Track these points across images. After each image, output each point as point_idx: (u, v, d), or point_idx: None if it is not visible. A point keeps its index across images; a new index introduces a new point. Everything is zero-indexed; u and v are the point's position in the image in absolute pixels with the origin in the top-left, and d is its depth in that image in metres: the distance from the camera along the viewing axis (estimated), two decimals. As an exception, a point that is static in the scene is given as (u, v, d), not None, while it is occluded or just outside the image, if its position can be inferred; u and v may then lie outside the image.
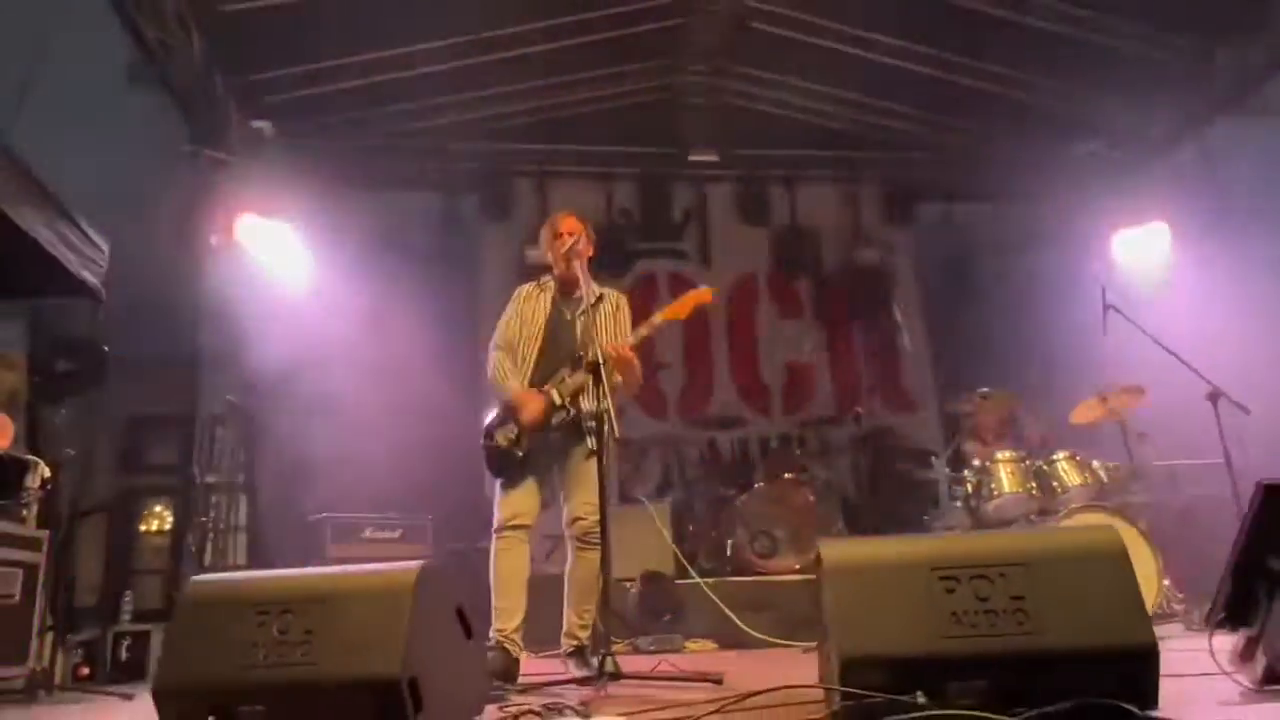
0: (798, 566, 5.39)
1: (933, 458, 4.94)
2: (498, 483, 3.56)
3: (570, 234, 3.65)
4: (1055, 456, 4.53)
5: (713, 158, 7.84)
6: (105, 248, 4.44)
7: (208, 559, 6.93)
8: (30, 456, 3.63)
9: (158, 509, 8.09)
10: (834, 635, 1.85)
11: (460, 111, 7.63)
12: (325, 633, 2.04)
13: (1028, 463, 4.51)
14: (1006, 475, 4.50)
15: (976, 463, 4.72)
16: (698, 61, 7.74)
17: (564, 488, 3.59)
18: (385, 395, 6.84)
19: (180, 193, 6.67)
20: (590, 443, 3.43)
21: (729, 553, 5.67)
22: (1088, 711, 1.67)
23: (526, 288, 3.84)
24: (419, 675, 2.00)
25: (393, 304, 7.13)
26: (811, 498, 5.79)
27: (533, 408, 3.46)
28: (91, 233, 4.30)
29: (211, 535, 6.96)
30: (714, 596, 4.82)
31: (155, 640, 5.12)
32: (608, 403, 3.06)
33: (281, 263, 6.86)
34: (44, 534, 3.61)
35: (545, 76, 7.53)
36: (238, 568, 7.09)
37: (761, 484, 5.88)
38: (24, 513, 3.58)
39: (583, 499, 3.46)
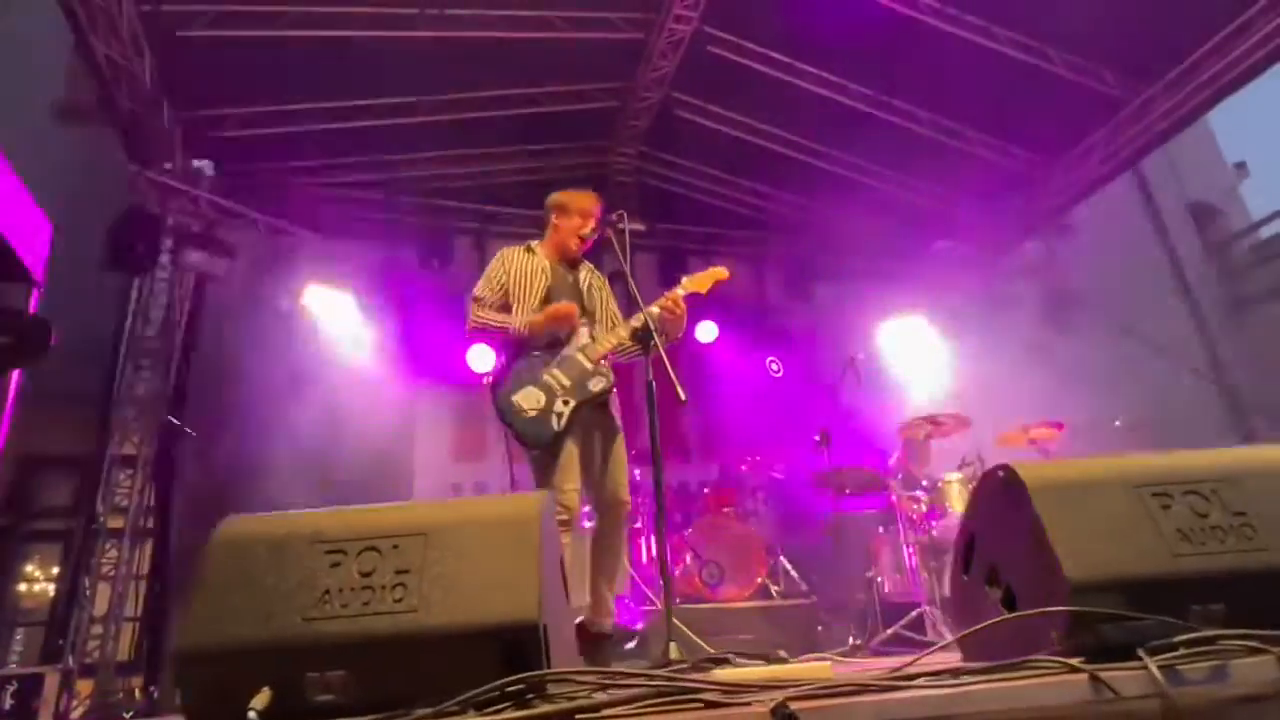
0: (747, 594, 4.93)
1: (890, 480, 4.66)
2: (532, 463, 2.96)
3: (594, 221, 3.22)
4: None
5: (640, 227, 7.57)
6: (49, 229, 3.56)
7: (97, 609, 5.65)
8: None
9: (44, 554, 6.66)
10: (1061, 557, 1.41)
11: (407, 168, 7.10)
12: (429, 573, 1.41)
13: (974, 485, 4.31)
14: (957, 495, 4.27)
15: (925, 483, 4.47)
16: (628, 144, 7.61)
17: (601, 463, 3.01)
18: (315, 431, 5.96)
19: (113, 218, 5.70)
20: (618, 419, 2.95)
21: (679, 580, 5.11)
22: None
23: (513, 250, 3.28)
24: (548, 625, 1.41)
25: (328, 346, 6.36)
26: (751, 528, 5.38)
27: (564, 313, 2.97)
28: (37, 212, 3.44)
29: (109, 581, 5.69)
30: (678, 622, 4.25)
31: (50, 687, 3.97)
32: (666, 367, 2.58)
33: (216, 296, 5.96)
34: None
35: (491, 145, 7.17)
36: (134, 621, 5.83)
37: (706, 517, 5.40)
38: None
39: (623, 480, 2.95)
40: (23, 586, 6.96)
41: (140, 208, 5.69)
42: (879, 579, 4.49)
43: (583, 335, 3.09)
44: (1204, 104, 6.46)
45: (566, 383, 2.91)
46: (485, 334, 3.11)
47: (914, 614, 4.11)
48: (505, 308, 3.10)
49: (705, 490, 5.93)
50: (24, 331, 2.93)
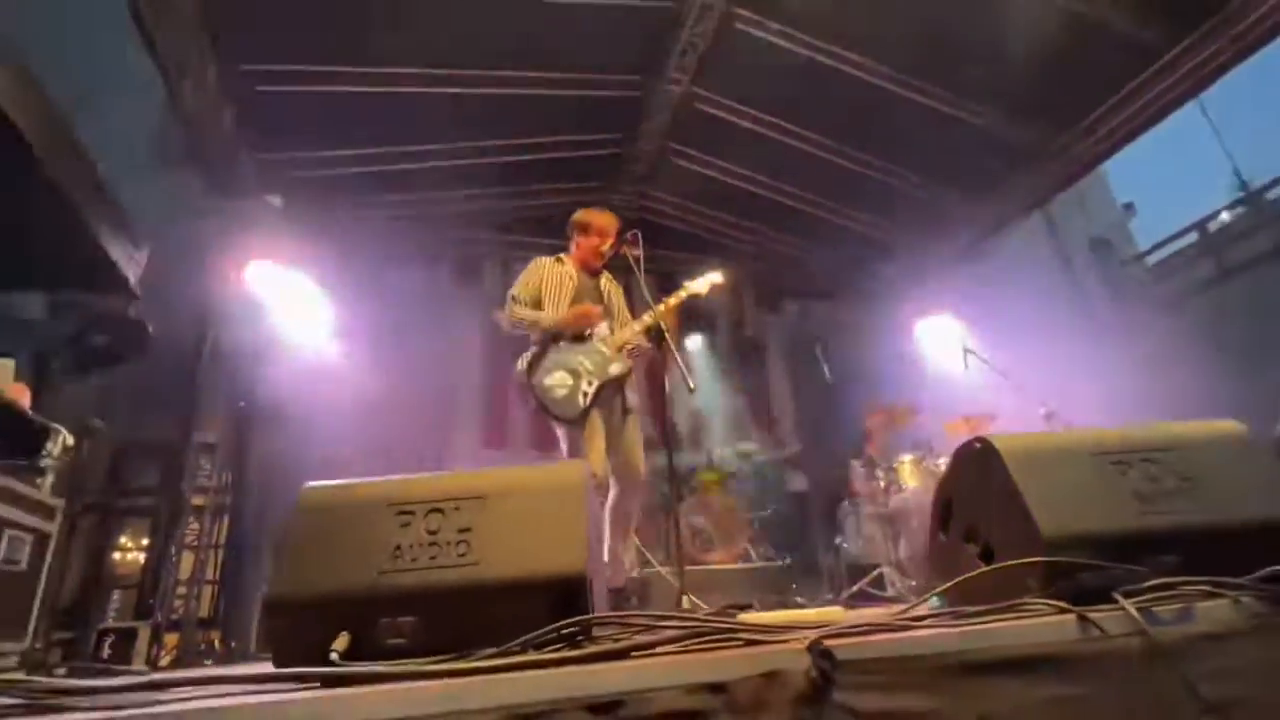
0: (732, 558, 4.84)
1: (852, 460, 4.60)
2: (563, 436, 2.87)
3: (613, 238, 3.16)
4: (940, 460, 4.28)
5: (637, 253, 7.51)
6: (146, 250, 3.46)
7: (181, 574, 5.51)
8: (55, 424, 2.58)
9: (135, 527, 6.48)
10: (1036, 516, 1.35)
11: (444, 203, 7.02)
12: (488, 531, 1.33)
13: (925, 463, 4.25)
14: (910, 473, 4.20)
15: (883, 464, 4.40)
16: (627, 184, 7.57)
17: (620, 437, 2.94)
18: (370, 428, 5.85)
19: (197, 243, 5.58)
20: (633, 399, 2.89)
21: (675, 549, 5.01)
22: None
23: (546, 259, 3.27)
24: (591, 577, 1.33)
25: (379, 350, 6.24)
26: (732, 502, 5.29)
27: (595, 313, 2.96)
28: (136, 234, 3.34)
29: (193, 550, 5.54)
30: (674, 583, 4.17)
31: (142, 639, 3.83)
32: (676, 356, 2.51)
33: (284, 307, 5.82)
34: (60, 502, 2.52)
35: (516, 184, 7.11)
36: (212, 584, 5.69)
37: (696, 495, 5.31)
38: (38, 480, 2.50)
39: (640, 455, 2.88)
40: (117, 555, 6.77)
41: (220, 234, 5.57)
42: (844, 544, 4.41)
43: (602, 329, 3.05)
44: (1105, 152, 6.48)
45: (590, 366, 2.87)
46: (522, 326, 3.03)
47: (875, 573, 4.04)
48: (537, 306, 3.05)
49: (694, 471, 5.84)
50: (124, 332, 2.82)
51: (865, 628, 1.02)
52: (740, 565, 4.70)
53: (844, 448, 5.17)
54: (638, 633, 1.16)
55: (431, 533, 1.34)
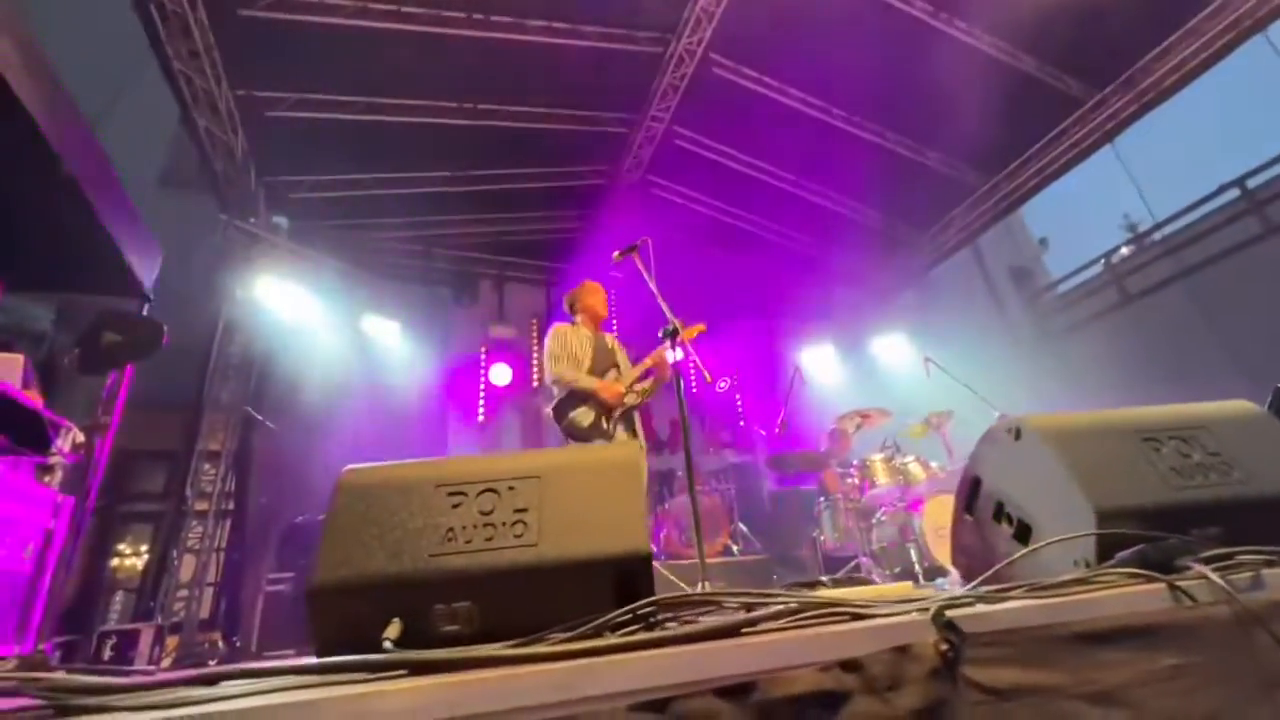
0: (715, 552, 4.67)
1: (828, 460, 4.49)
2: None
3: (605, 295, 3.56)
4: (907, 459, 4.21)
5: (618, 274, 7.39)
6: (159, 256, 3.18)
7: (183, 577, 5.09)
8: (66, 422, 2.28)
9: (136, 533, 5.97)
10: (1085, 491, 1.23)
11: (441, 226, 6.79)
12: (546, 510, 1.15)
13: (894, 462, 4.16)
14: (881, 470, 4.11)
15: (856, 462, 4.30)
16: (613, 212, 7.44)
17: None
18: (370, 435, 5.54)
19: (206, 258, 5.24)
20: (639, 429, 2.92)
21: (662, 544, 4.82)
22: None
23: (564, 326, 3.42)
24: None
25: (379, 363, 5.95)
26: (716, 501, 5.13)
27: (615, 391, 3.10)
28: (150, 238, 3.06)
29: (195, 553, 5.12)
30: (669, 574, 3.98)
31: (144, 638, 3.46)
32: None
33: (288, 320, 5.50)
34: (68, 500, 2.22)
35: (507, 210, 6.92)
36: (212, 584, 5.27)
37: (681, 495, 5.13)
38: (46, 477, 2.20)
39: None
40: (115, 561, 6.25)
41: (229, 250, 5.25)
42: (821, 537, 4.28)
43: (612, 374, 3.23)
44: (1031, 190, 6.63)
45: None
46: (562, 384, 3.14)
47: (853, 563, 3.92)
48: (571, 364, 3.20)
49: (679, 474, 5.67)
50: (138, 330, 2.54)
51: (969, 599, 0.88)
52: (720, 559, 4.53)
53: (817, 449, 5.08)
54: (740, 610, 0.99)
55: (485, 513, 1.15)
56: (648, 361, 3.21)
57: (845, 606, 0.83)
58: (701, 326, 3.32)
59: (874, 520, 4.00)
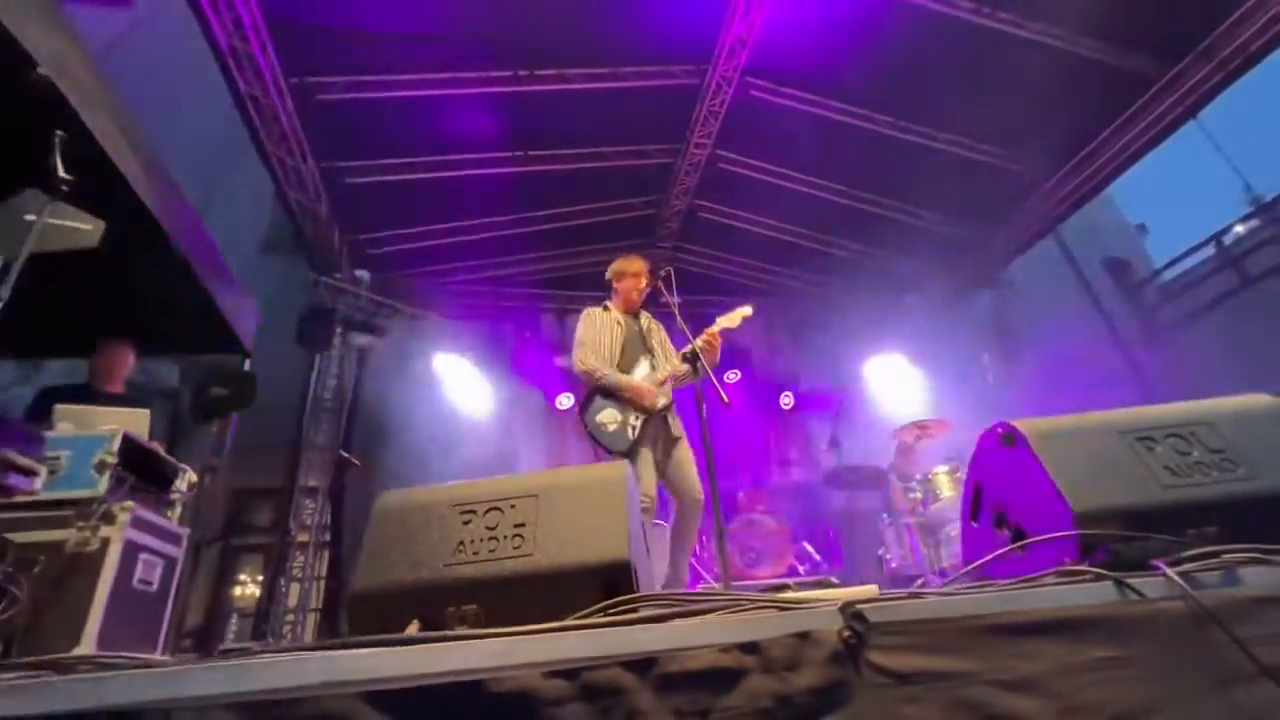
0: (779, 573, 4.64)
1: (890, 476, 4.39)
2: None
3: (646, 276, 3.19)
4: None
5: (676, 300, 7.53)
6: (255, 315, 3.69)
7: (290, 602, 5.65)
8: (182, 465, 2.71)
9: (252, 564, 6.68)
10: (1065, 493, 1.24)
11: (505, 267, 7.26)
12: (541, 525, 1.31)
13: (959, 474, 4.01)
14: (945, 484, 3.97)
15: (919, 476, 4.17)
16: (665, 240, 7.66)
17: (672, 463, 2.90)
18: (446, 465, 5.96)
19: (300, 311, 5.91)
20: (678, 428, 2.83)
21: (727, 568, 4.83)
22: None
23: (595, 310, 3.28)
24: (636, 567, 1.29)
25: (452, 397, 6.41)
26: (776, 524, 5.09)
27: (650, 392, 2.88)
28: (249, 300, 3.56)
29: (299, 581, 5.69)
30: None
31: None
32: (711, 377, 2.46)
33: (374, 366, 6.07)
34: (185, 531, 2.63)
35: (564, 247, 7.30)
36: (315, 610, 5.80)
37: (743, 515, 5.14)
38: (168, 512, 2.62)
39: (696, 480, 2.84)
40: (236, 590, 6.98)
41: (319, 304, 5.89)
42: (887, 556, 4.17)
43: (644, 366, 3.03)
44: (1108, 177, 6.22)
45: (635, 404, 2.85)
46: (589, 374, 3.03)
47: (919, 583, 3.79)
48: (595, 350, 3.08)
49: (740, 494, 5.68)
50: (239, 384, 2.97)
51: (900, 595, 0.95)
52: (784, 579, 4.49)
53: (879, 464, 4.95)
54: (681, 606, 1.11)
55: (490, 529, 1.33)
56: (698, 343, 2.86)
57: (770, 603, 0.93)
58: (747, 311, 3.24)
59: (941, 536, 3.86)
